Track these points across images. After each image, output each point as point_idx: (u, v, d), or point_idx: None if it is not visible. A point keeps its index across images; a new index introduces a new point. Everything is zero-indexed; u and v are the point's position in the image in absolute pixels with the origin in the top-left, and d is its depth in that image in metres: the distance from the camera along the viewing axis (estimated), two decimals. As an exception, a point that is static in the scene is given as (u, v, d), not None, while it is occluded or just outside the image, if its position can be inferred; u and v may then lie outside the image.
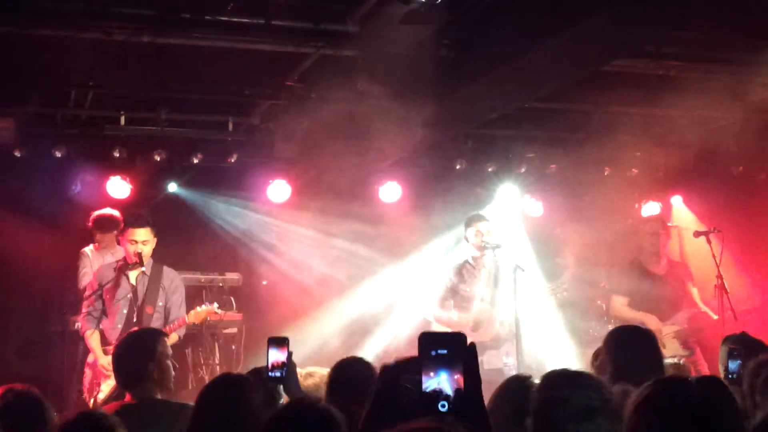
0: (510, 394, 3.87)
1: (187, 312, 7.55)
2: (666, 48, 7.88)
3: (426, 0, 5.78)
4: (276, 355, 4.01)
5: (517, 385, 3.94)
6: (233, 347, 9.54)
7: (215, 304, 7.83)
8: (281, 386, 4.11)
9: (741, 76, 8.20)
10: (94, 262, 8.21)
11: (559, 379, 3.43)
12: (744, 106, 8.79)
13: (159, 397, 4.90)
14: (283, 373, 3.99)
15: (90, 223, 8.51)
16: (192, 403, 4.09)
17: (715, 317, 8.33)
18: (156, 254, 7.62)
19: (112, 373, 7.05)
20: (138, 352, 4.95)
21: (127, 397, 4.91)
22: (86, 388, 7.35)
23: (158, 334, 5.31)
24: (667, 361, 6.18)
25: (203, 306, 7.66)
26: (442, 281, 8.52)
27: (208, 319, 7.78)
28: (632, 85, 8.31)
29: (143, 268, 7.46)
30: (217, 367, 9.27)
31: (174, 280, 7.64)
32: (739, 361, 4.77)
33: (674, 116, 9.35)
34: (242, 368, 9.13)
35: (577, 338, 9.37)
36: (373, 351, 9.58)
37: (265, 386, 4.01)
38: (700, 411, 2.83)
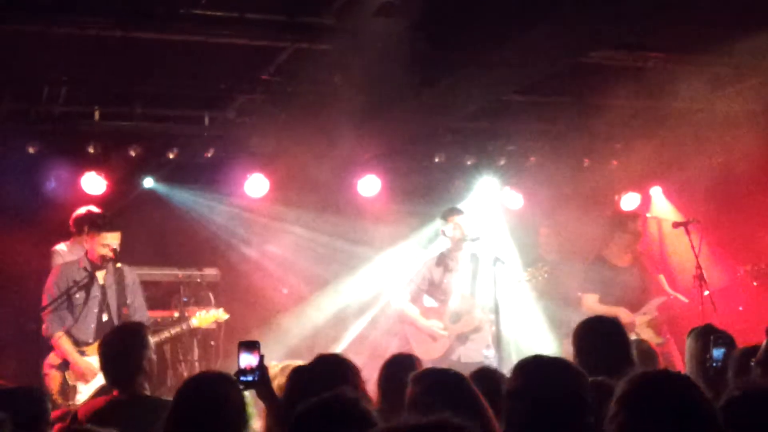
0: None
1: (177, 308, 7.53)
2: (645, 40, 7.84)
3: (401, -8, 5.71)
4: (247, 359, 3.95)
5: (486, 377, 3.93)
6: (212, 343, 9.45)
7: (221, 310, 7.85)
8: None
9: (720, 68, 8.19)
10: (68, 258, 8.10)
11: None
12: (723, 97, 8.80)
13: (147, 392, 4.85)
14: (255, 377, 3.92)
15: (73, 224, 8.40)
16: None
17: (686, 300, 8.50)
18: (133, 250, 7.55)
19: (95, 376, 7.02)
20: (132, 347, 4.93)
21: (115, 393, 4.87)
22: (56, 391, 7.19)
23: (145, 328, 5.27)
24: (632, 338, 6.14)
25: (209, 312, 7.65)
26: (420, 273, 8.53)
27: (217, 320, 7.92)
28: (612, 76, 8.29)
29: (119, 264, 7.38)
30: (196, 364, 9.20)
31: (135, 279, 7.62)
32: (723, 350, 4.75)
33: (654, 108, 9.33)
34: (221, 364, 9.08)
35: (558, 330, 9.36)
36: (351, 344, 9.58)
37: None
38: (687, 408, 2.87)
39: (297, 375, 4.36)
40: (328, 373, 4.23)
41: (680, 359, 7.91)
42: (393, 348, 8.86)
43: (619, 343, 4.73)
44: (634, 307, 8.50)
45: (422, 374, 3.88)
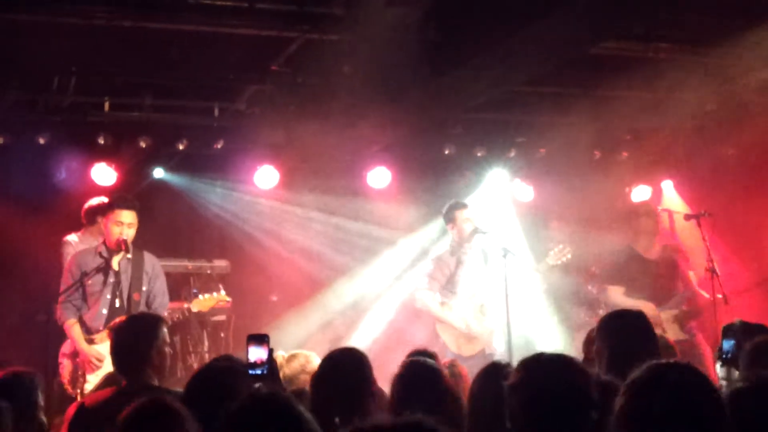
0: (488, 382, 3.82)
1: (187, 300, 7.52)
2: (656, 30, 7.80)
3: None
4: (257, 353, 3.93)
5: (495, 372, 3.91)
6: (222, 335, 9.47)
7: (222, 292, 7.77)
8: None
9: (731, 59, 8.13)
10: (79, 249, 8.09)
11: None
12: (735, 88, 8.74)
13: (156, 383, 4.83)
14: (264, 371, 3.90)
15: (84, 215, 8.40)
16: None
17: (707, 296, 8.29)
18: (143, 241, 7.54)
19: (101, 364, 7.01)
20: (142, 337, 4.86)
21: (123, 383, 4.84)
22: (67, 380, 7.17)
23: (160, 320, 5.20)
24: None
25: (210, 294, 7.61)
26: (438, 268, 8.47)
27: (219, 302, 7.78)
28: (622, 68, 8.24)
29: (129, 255, 7.36)
30: (206, 355, 9.21)
31: (155, 266, 7.53)
32: (733, 341, 4.71)
33: (665, 99, 9.27)
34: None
35: (567, 323, 9.34)
36: (364, 339, 9.55)
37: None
38: (684, 400, 2.84)
39: (314, 380, 4.34)
40: (337, 370, 4.22)
41: (710, 354, 7.85)
42: (419, 340, 8.85)
43: (645, 337, 4.70)
44: (661, 300, 8.35)
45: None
